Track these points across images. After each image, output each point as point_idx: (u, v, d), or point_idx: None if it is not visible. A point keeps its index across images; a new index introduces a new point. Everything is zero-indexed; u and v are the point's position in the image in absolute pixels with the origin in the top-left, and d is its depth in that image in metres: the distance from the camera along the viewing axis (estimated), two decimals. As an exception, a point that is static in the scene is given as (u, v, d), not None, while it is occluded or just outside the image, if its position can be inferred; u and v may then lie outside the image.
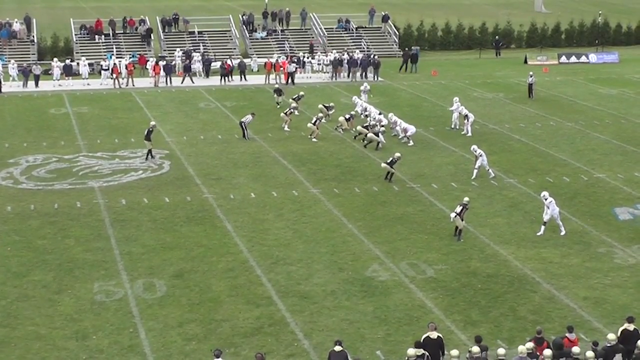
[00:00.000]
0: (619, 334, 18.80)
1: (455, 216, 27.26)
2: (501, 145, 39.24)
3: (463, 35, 72.65)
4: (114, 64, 55.15)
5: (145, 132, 36.86)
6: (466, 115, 41.01)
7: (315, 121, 40.39)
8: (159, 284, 23.88)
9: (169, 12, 70.95)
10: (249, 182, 33.60)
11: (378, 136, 38.39)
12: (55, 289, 23.52)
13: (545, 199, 27.72)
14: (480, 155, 33.55)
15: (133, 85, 54.05)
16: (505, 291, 23.53)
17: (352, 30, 69.42)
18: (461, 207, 27.35)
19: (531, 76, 50.84)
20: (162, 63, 55.40)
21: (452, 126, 42.22)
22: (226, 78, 55.66)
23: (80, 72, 55.40)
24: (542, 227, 27.75)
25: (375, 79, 56.90)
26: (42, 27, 67.76)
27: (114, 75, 54.02)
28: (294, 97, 46.23)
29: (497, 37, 70.21)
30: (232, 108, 47.63)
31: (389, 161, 33.47)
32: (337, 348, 18.20)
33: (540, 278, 24.39)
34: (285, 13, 69.16)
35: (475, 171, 33.75)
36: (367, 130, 38.94)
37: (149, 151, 36.72)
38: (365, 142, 38.63)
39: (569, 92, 52.77)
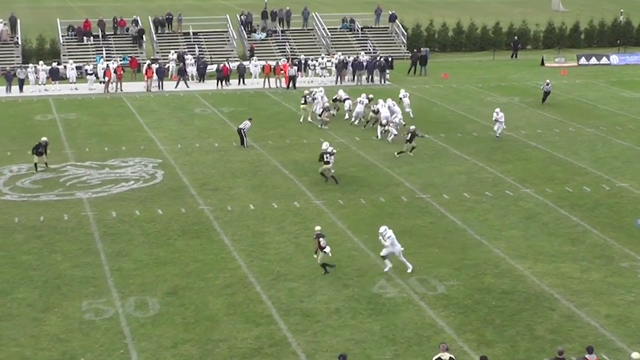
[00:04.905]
0: None
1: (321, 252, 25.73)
2: (517, 153, 39.29)
3: (475, 36, 72.75)
4: (107, 65, 55.30)
5: (34, 147, 36.16)
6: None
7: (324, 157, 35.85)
8: (151, 302, 23.91)
9: (162, 12, 71.20)
10: (247, 192, 33.66)
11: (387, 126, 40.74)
12: (41, 308, 23.55)
13: (383, 235, 25.81)
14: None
15: (121, 90, 54.15)
16: (521, 309, 23.53)
17: (357, 30, 69.56)
18: (316, 236, 25.70)
19: (548, 84, 50.31)
20: (154, 66, 55.53)
21: (498, 135, 41.91)
22: (223, 82, 55.80)
23: (68, 76, 55.52)
24: (386, 262, 25.85)
25: (382, 82, 57.01)
26: (26, 28, 67.94)
27: (106, 79, 54.16)
28: (307, 93, 46.59)
29: (516, 37, 70.31)
30: (229, 114, 47.74)
31: (408, 138, 37.28)
32: (342, 366, 18.25)
33: (559, 294, 24.39)
34: (286, 12, 69.34)
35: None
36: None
37: (36, 165, 35.95)
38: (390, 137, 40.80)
39: (589, 96, 52.83)
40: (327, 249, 25.49)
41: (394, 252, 25.69)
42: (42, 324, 22.59)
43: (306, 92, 47.32)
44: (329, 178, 34.36)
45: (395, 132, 40.86)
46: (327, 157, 34.25)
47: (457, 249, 27.67)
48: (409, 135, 38.02)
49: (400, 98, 45.96)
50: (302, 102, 45.74)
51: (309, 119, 45.08)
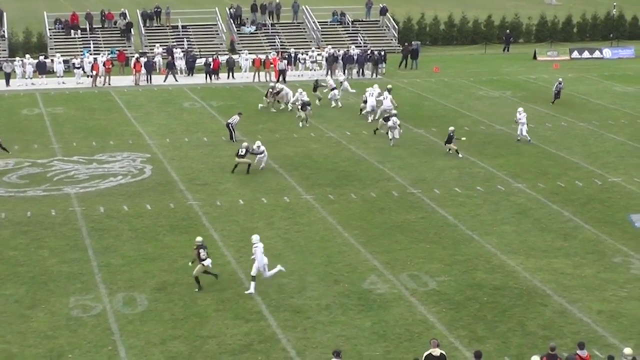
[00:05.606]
0: None
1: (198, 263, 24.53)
2: (509, 148, 39.33)
3: (467, 29, 72.80)
4: (95, 59, 55.18)
5: None
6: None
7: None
8: (140, 298, 23.89)
9: (150, 4, 70.95)
10: (237, 187, 33.64)
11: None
12: (28, 304, 23.51)
13: (254, 244, 24.51)
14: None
15: (109, 84, 54.02)
16: (513, 304, 23.58)
17: (348, 24, 69.54)
18: (196, 247, 24.47)
19: (560, 83, 48.97)
20: (143, 60, 55.43)
21: (528, 139, 40.43)
22: (212, 76, 55.72)
23: (55, 70, 55.37)
24: (252, 284, 24.23)
25: (374, 76, 56.97)
26: (13, 21, 67.76)
27: (94, 73, 54.04)
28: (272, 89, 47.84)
29: (508, 30, 70.36)
30: (218, 108, 47.68)
31: (447, 139, 37.48)
32: (335, 362, 18.24)
33: (551, 290, 24.45)
34: (276, 6, 69.30)
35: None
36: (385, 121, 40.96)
37: None
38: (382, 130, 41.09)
39: (582, 90, 52.92)
40: (207, 262, 24.22)
41: (259, 266, 24.19)
42: (29, 321, 22.55)
43: (272, 84, 49.66)
44: (237, 167, 35.31)
45: (397, 137, 39.60)
46: (241, 151, 35.22)
47: (448, 245, 27.71)
48: (448, 137, 37.62)
49: (341, 82, 49.43)
50: (265, 94, 47.46)
51: (268, 106, 46.87)
